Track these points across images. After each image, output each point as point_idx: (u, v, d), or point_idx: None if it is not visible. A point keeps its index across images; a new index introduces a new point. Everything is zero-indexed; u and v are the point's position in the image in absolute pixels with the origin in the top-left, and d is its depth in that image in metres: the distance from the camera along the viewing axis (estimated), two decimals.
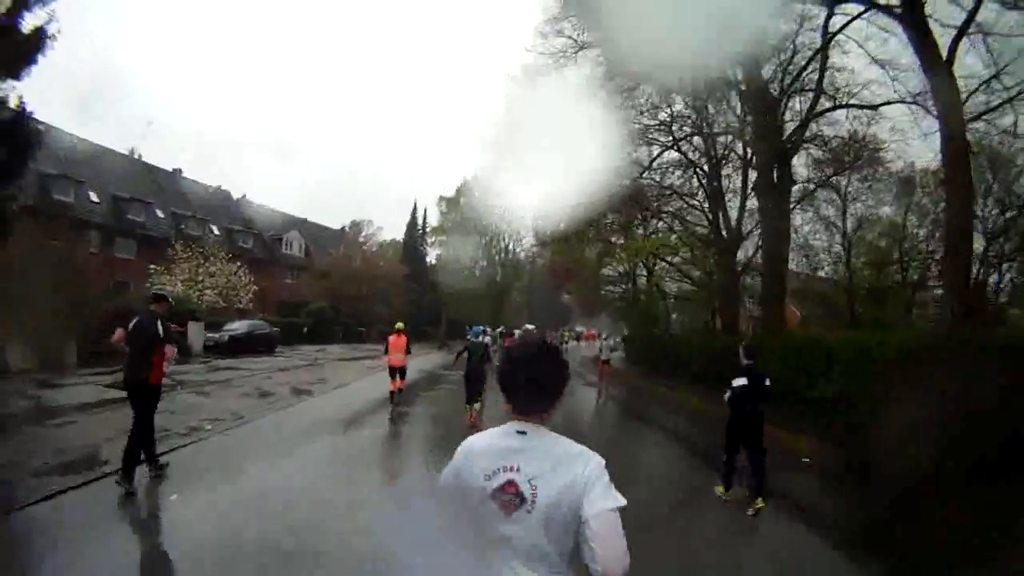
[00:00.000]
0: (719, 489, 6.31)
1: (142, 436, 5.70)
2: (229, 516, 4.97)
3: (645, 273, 28.59)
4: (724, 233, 18.22)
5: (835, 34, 13.61)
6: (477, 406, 9.94)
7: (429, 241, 50.75)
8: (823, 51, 13.79)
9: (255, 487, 5.92)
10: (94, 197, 30.97)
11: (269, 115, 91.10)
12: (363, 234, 51.27)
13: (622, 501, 1.56)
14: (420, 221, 50.74)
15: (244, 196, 43.73)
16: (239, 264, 28.92)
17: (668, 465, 8.45)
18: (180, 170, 40.06)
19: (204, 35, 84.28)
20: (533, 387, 1.69)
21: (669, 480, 7.46)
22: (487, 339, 11.80)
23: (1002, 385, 5.84)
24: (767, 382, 6.15)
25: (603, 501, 1.54)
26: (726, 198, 18.98)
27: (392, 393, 11.52)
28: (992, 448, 5.82)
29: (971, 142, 11.02)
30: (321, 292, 38.12)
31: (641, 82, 15.24)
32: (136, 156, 38.03)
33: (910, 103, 12.90)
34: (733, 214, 18.60)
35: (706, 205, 19.36)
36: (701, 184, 19.30)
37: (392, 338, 11.75)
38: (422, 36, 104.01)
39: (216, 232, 38.65)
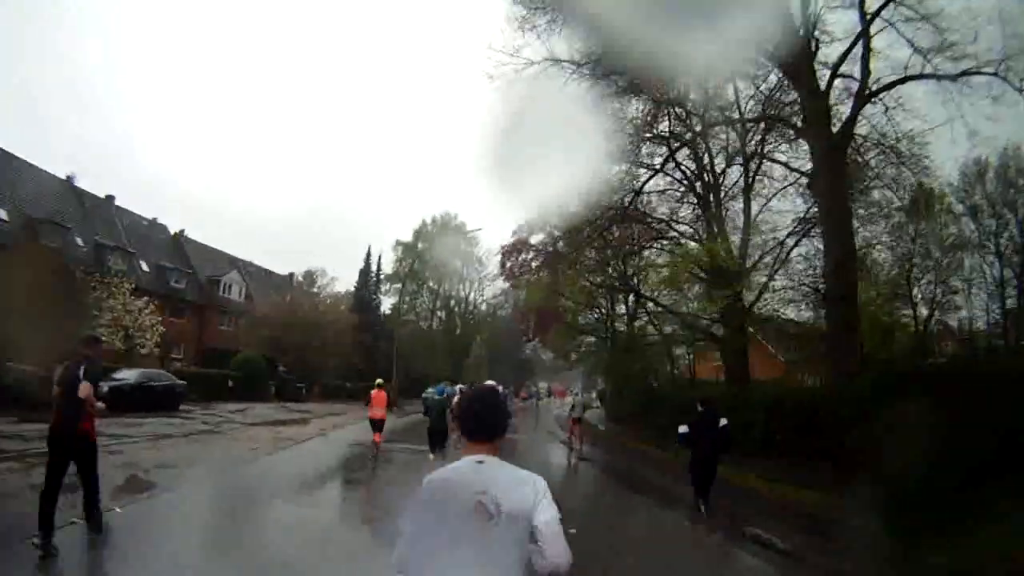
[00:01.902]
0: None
1: (93, 492, 5.49)
2: None
3: (626, 317, 25.24)
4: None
5: (875, 14, 11.06)
6: (440, 459, 9.95)
7: (383, 289, 45.93)
8: (864, 35, 11.15)
9: None
10: (2, 214, 26.15)
11: (221, 148, 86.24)
12: (317, 285, 45.86)
13: (559, 514, 1.93)
14: (374, 267, 45.97)
15: (183, 232, 38.98)
16: (146, 300, 23.62)
17: None
18: (113, 197, 35.25)
19: (157, 62, 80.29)
20: (482, 421, 2.13)
21: None
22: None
23: None
24: (723, 422, 7.46)
25: (549, 512, 1.93)
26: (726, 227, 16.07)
27: (376, 444, 12.45)
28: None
29: None
30: (259, 341, 33.05)
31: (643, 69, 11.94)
32: (67, 179, 33.06)
33: (991, 74, 10.38)
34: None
35: (704, 235, 16.20)
36: (698, 207, 16.22)
37: (373, 392, 12.86)
38: (379, 69, 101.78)
39: (145, 268, 33.80)
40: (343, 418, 22.57)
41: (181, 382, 20.70)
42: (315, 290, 43.73)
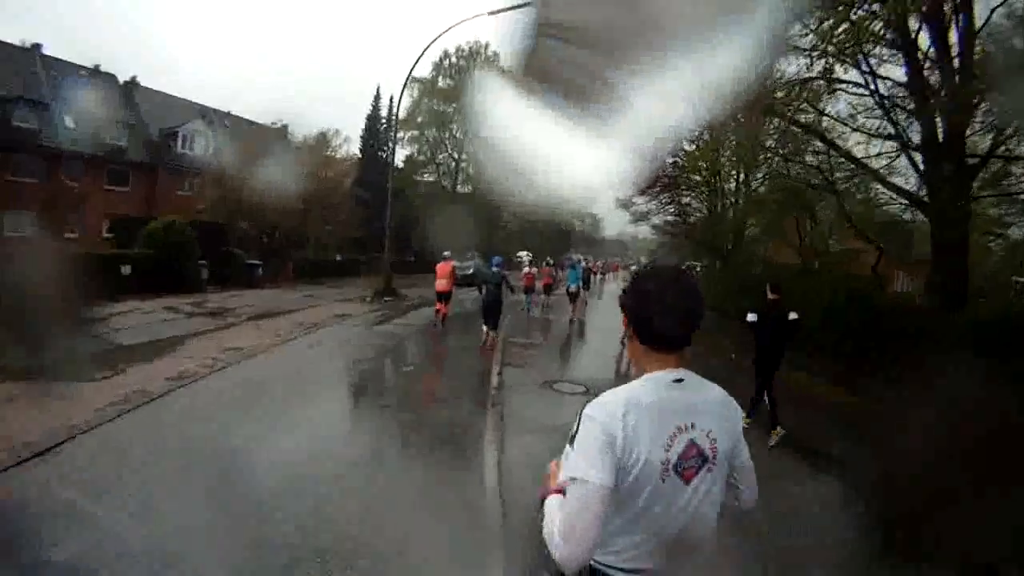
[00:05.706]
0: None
1: None
2: None
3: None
4: None
5: None
6: (493, 333, 10.17)
7: (398, 138, 35.12)
8: None
9: None
10: None
11: None
12: (330, 147, 34.36)
13: None
14: (384, 114, 35.16)
15: (134, 79, 29.89)
16: None
17: None
18: (40, 46, 26.71)
19: None
20: (686, 316, 1.38)
21: None
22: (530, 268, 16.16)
23: None
24: (792, 316, 6.15)
25: (746, 448, 1.47)
26: None
27: (440, 313, 12.33)
28: None
29: None
30: (214, 206, 24.52)
31: None
32: None
33: None
34: None
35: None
36: None
37: (440, 265, 12.60)
38: None
39: (70, 124, 25.36)
40: (269, 331, 11.80)
41: None
42: (328, 153, 33.53)
